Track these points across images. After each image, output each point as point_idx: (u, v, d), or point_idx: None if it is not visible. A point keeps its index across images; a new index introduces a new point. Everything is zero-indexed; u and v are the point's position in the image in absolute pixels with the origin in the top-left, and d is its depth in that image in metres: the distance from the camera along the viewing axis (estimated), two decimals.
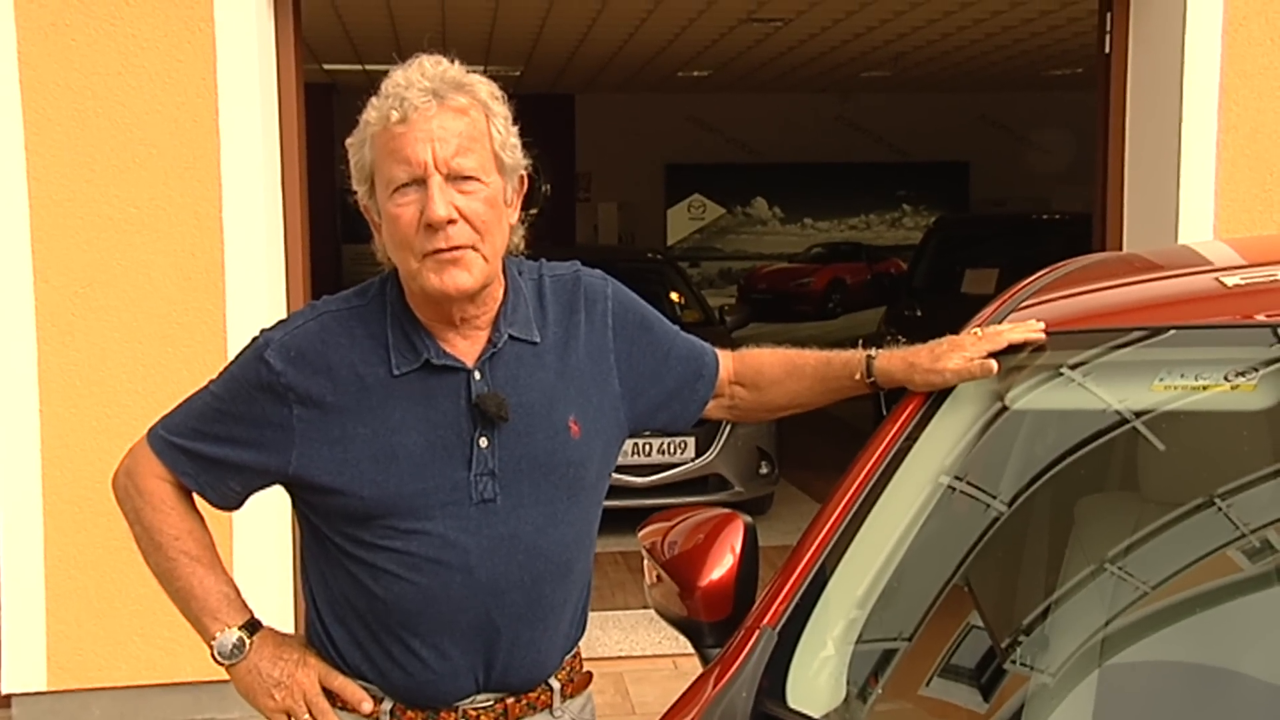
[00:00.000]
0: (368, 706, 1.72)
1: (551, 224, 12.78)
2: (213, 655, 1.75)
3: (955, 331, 1.89)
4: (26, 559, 4.13)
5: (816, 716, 1.48)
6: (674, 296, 7.86)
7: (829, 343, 2.04)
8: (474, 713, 1.73)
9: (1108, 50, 4.87)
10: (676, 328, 1.94)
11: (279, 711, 1.74)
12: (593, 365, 1.78)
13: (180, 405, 1.78)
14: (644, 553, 1.98)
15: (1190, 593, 1.69)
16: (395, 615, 1.69)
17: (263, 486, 1.76)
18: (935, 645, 1.71)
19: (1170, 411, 1.72)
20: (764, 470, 6.81)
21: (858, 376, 1.88)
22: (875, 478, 1.74)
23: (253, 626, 1.76)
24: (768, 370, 1.96)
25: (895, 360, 1.85)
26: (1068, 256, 2.26)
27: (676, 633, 5.25)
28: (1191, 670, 1.57)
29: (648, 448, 6.49)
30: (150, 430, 1.78)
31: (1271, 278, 1.89)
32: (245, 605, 1.78)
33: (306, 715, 1.73)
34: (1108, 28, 4.87)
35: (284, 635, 1.80)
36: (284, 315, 4.43)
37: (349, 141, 1.68)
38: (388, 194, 1.62)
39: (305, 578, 1.81)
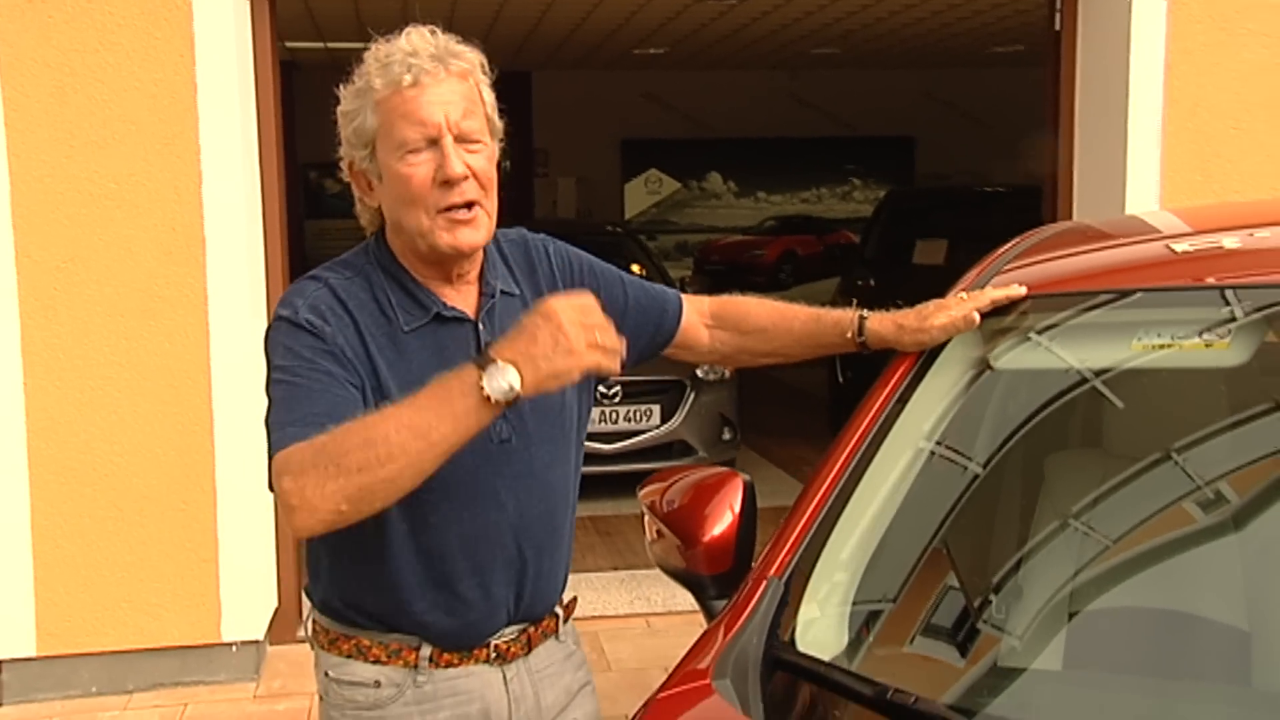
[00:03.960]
0: None
1: (510, 199, 12.68)
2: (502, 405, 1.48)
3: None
4: (14, 530, 4.09)
5: (825, 659, 1.51)
6: (635, 269, 7.88)
7: None
8: (503, 645, 1.78)
9: (1057, 28, 4.92)
10: (633, 275, 1.98)
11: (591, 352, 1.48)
12: None
13: (271, 422, 1.61)
14: (644, 510, 2.00)
15: (1154, 542, 1.74)
16: (445, 563, 1.70)
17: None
18: (925, 595, 1.75)
19: (1148, 369, 1.77)
20: (726, 436, 6.87)
21: (849, 335, 1.91)
22: (870, 437, 1.77)
23: (482, 362, 1.48)
24: (754, 318, 1.99)
25: (885, 322, 1.89)
26: (1014, 228, 2.30)
27: (647, 593, 5.29)
28: (1153, 615, 1.62)
29: (615, 415, 6.52)
30: (271, 446, 1.59)
31: (1217, 244, 1.95)
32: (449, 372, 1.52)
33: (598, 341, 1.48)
34: (1057, 6, 4.92)
35: (504, 340, 1.51)
36: (263, 287, 4.41)
37: (342, 109, 1.68)
38: (398, 155, 1.63)
39: (320, 560, 1.78)
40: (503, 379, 1.44)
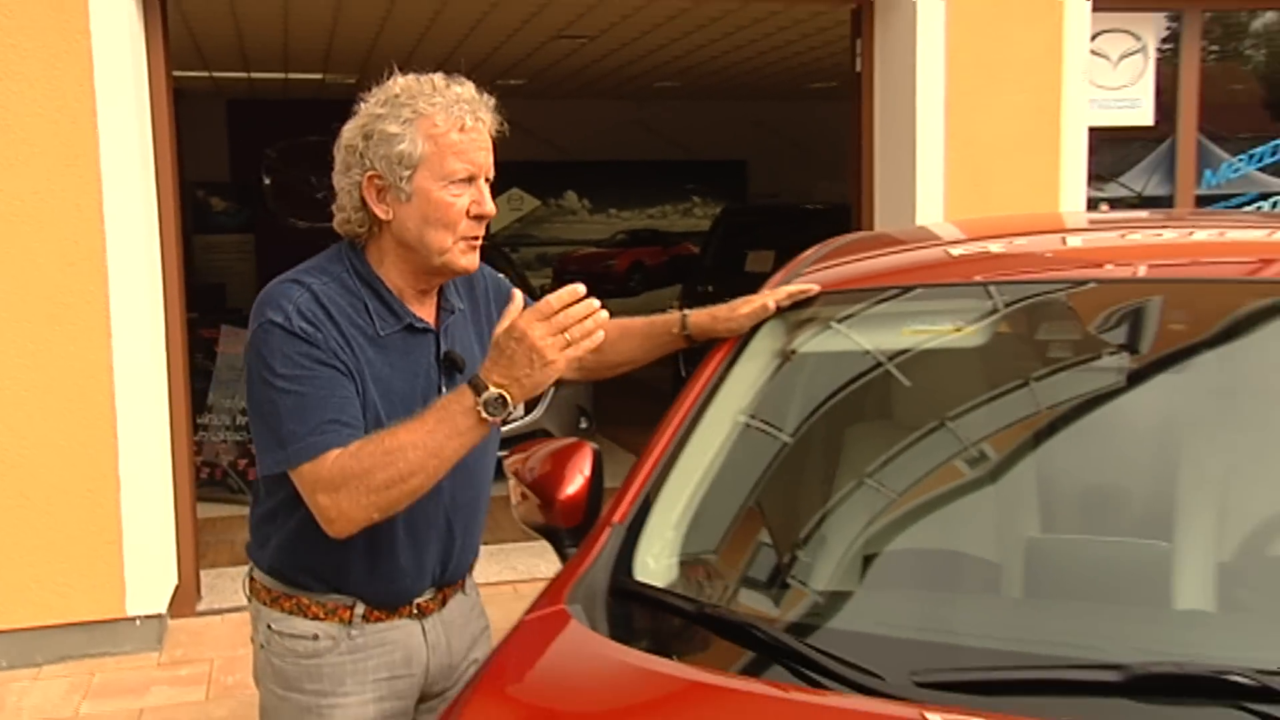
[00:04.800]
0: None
1: None
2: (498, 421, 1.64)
3: None
4: None
5: (659, 585, 1.68)
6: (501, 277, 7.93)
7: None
8: (424, 603, 1.89)
9: (859, 70, 5.21)
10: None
11: (565, 354, 1.65)
12: (489, 328, 1.93)
13: (270, 427, 1.68)
14: (510, 475, 2.13)
15: (930, 495, 1.94)
16: (389, 542, 1.79)
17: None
18: (744, 539, 1.90)
19: (917, 351, 1.97)
20: (583, 425, 6.99)
21: (675, 331, 2.10)
22: (694, 412, 1.94)
23: (477, 388, 1.63)
24: (606, 335, 2.15)
25: (703, 316, 2.09)
26: (832, 238, 2.50)
27: (514, 563, 5.38)
28: (930, 553, 1.81)
29: None
30: (286, 459, 1.67)
31: (985, 250, 2.18)
32: (447, 397, 1.65)
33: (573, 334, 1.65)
34: (858, 51, 5.21)
35: (489, 365, 1.64)
36: (160, 294, 4.37)
37: (381, 130, 1.72)
38: (441, 184, 1.74)
39: (270, 534, 1.83)
40: (496, 402, 1.60)
